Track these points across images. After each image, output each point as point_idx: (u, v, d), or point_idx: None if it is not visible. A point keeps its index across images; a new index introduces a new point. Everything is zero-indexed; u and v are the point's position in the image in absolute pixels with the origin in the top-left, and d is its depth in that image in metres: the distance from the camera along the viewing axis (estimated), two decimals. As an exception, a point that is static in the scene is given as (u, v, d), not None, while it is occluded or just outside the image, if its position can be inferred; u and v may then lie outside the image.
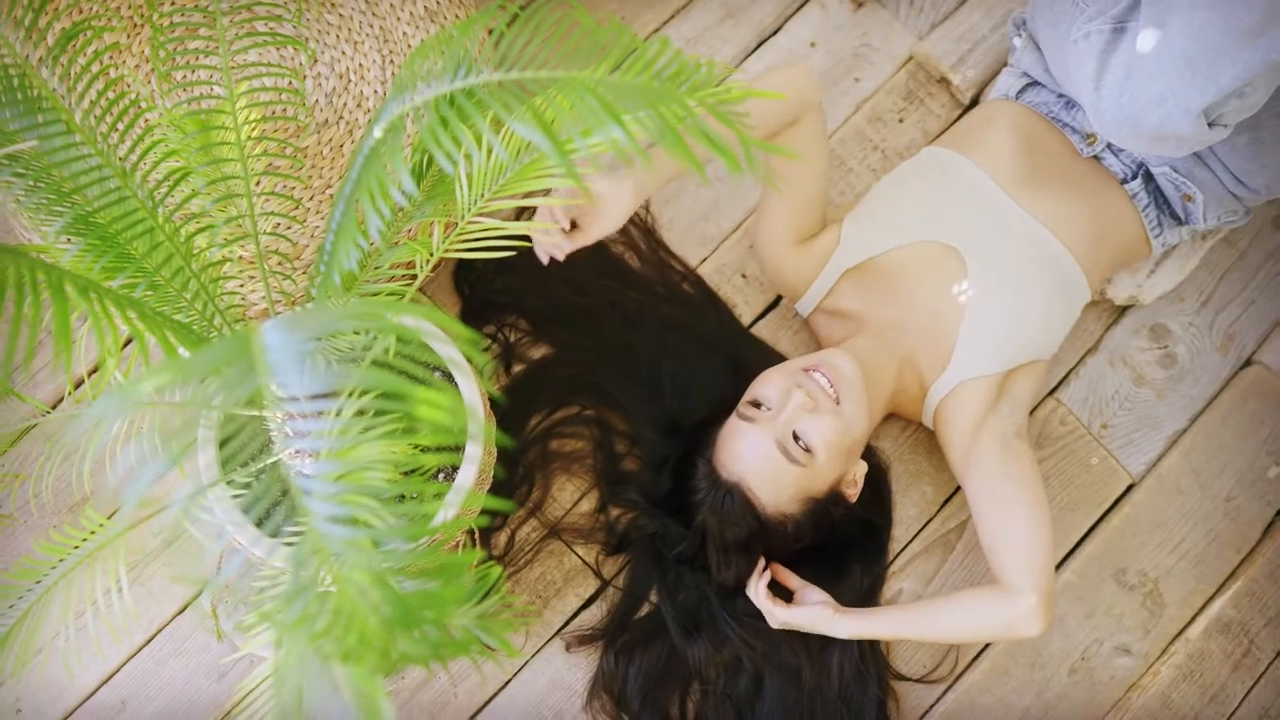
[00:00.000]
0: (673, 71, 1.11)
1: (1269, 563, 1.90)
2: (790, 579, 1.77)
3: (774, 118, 1.69)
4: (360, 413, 1.15)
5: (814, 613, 1.71)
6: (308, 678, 1.17)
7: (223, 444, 1.43)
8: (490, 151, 1.32)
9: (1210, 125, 1.57)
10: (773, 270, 1.86)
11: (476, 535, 1.80)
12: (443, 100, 1.13)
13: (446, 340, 1.49)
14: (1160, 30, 1.51)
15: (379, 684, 0.99)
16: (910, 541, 1.89)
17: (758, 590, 1.73)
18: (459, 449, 1.46)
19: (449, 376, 1.51)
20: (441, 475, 1.51)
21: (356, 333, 1.40)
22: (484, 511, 1.64)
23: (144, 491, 1.00)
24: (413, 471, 1.41)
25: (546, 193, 1.72)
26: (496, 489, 1.79)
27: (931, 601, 1.71)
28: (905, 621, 1.70)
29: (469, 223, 1.38)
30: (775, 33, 2.12)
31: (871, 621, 1.71)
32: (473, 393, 1.47)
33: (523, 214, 1.89)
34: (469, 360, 1.51)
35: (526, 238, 1.35)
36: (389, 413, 1.10)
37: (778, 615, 1.72)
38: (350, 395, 1.14)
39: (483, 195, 1.35)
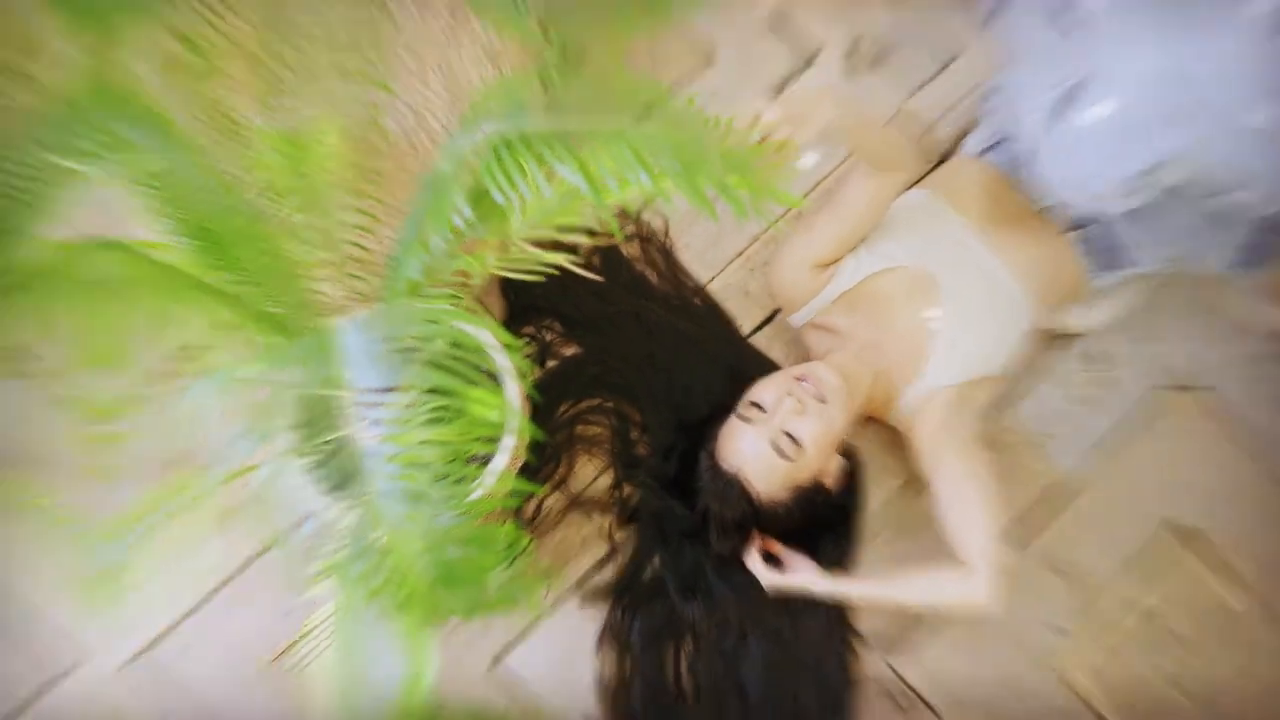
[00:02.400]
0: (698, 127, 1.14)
1: (1192, 570, 1.91)
2: (779, 549, 1.81)
3: (888, 151, 1.72)
4: (415, 402, 1.18)
5: (801, 576, 1.76)
6: (363, 621, 1.21)
7: (302, 421, 1.47)
8: (537, 189, 1.35)
9: (1140, 193, 1.61)
10: (784, 284, 1.90)
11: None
12: (499, 142, 1.17)
13: (496, 346, 1.52)
14: (1101, 107, 1.56)
15: (426, 633, 1.03)
16: (877, 526, 1.92)
17: (753, 558, 1.77)
18: (496, 440, 1.49)
19: (492, 375, 1.54)
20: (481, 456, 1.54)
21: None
22: (515, 493, 1.67)
23: (237, 463, 1.04)
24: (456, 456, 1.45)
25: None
26: (526, 469, 1.83)
27: (900, 571, 1.76)
28: (877, 587, 1.76)
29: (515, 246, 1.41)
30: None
31: (849, 584, 1.77)
32: (514, 392, 1.51)
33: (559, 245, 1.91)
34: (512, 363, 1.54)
35: (560, 266, 1.40)
36: (441, 405, 1.14)
37: (769, 579, 1.77)
38: (411, 389, 1.17)
39: (528, 224, 1.38)
